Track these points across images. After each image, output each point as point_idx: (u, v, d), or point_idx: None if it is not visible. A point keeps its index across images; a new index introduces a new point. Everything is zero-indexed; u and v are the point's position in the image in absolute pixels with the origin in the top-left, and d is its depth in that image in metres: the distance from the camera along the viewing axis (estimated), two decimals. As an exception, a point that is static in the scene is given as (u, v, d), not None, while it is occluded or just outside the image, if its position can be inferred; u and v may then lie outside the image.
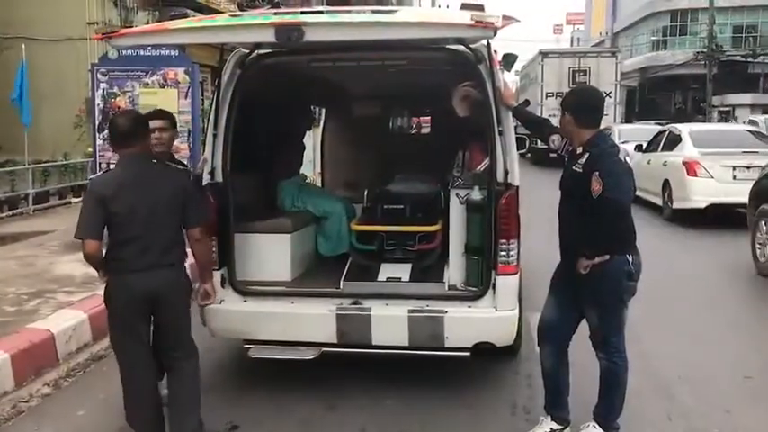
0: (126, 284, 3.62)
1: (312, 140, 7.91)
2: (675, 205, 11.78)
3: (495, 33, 3.50)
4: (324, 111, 7.76)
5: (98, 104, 9.14)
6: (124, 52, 8.75)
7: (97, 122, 9.22)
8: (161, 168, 3.89)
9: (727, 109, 38.47)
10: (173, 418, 3.83)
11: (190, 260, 3.94)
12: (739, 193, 9.54)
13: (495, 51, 4.62)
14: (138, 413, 3.78)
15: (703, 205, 11.26)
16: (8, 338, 5.13)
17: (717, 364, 5.29)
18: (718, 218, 11.20)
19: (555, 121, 4.38)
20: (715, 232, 10.80)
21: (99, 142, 9.10)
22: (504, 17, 3.56)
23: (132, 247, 3.60)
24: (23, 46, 11.88)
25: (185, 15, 4.35)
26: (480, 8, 3.69)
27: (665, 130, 13.61)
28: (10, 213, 11.92)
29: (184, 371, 3.84)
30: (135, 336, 3.69)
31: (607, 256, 3.67)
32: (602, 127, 3.96)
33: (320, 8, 4.52)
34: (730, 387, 4.86)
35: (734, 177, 11.10)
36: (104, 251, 3.65)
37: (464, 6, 3.83)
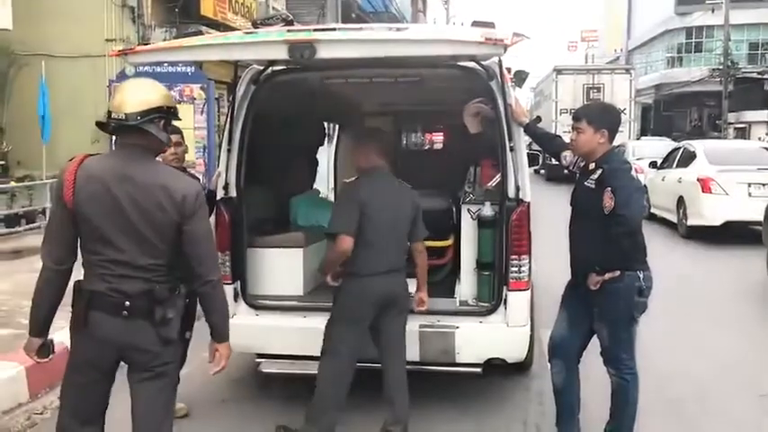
0: (365, 287, 3.93)
1: (326, 156, 7.96)
2: (690, 222, 11.70)
3: (505, 50, 3.52)
4: (337, 126, 7.82)
5: (115, 120, 9.26)
6: (141, 68, 8.86)
7: (114, 137, 9.32)
8: (399, 184, 4.20)
9: (743, 126, 38.25)
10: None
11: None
12: (754, 211, 9.50)
13: (508, 69, 4.64)
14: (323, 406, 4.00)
15: (718, 222, 11.19)
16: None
17: (731, 381, 5.25)
18: (735, 234, 11.13)
19: (568, 138, 4.40)
20: (731, 249, 10.72)
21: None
22: (515, 34, 3.57)
23: (374, 250, 3.91)
24: (43, 63, 12.03)
25: (200, 32, 4.41)
26: (491, 25, 3.71)
27: (680, 147, 13.56)
28: (28, 227, 12.02)
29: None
30: (358, 334, 3.98)
31: (618, 272, 3.67)
32: (615, 143, 3.98)
33: (333, 25, 4.57)
34: (745, 405, 4.81)
35: (749, 194, 11.04)
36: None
37: (475, 24, 3.86)
